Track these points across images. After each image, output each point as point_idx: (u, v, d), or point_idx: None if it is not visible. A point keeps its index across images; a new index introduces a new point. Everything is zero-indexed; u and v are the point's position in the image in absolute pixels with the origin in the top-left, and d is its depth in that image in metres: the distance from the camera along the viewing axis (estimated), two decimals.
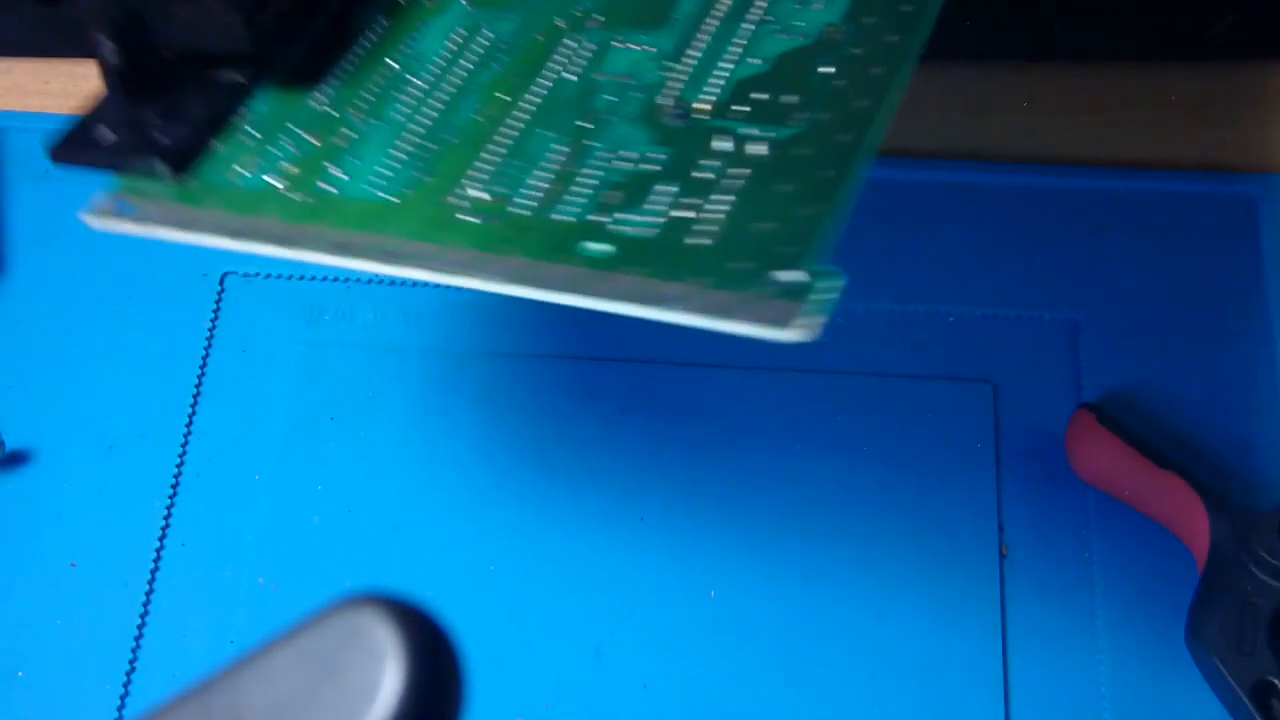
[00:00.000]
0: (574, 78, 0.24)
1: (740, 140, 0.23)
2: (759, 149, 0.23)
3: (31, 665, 0.29)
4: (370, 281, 0.34)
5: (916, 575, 0.30)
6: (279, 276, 0.34)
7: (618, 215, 0.22)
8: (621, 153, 0.23)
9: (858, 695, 0.29)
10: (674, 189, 0.22)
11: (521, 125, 0.24)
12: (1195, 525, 0.30)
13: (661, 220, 0.22)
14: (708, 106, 0.23)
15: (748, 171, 0.22)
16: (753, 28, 0.25)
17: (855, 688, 0.29)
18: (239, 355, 0.33)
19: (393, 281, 0.34)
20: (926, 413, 0.32)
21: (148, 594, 0.30)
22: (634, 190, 0.22)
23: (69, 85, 0.38)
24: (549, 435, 0.32)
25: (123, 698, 0.29)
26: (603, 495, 0.31)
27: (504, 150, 0.23)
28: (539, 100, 0.24)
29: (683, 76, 0.24)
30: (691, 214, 0.22)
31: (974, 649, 0.29)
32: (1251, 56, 0.40)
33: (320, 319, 0.34)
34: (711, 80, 0.24)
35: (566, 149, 0.23)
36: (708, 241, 0.21)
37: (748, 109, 0.23)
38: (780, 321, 0.20)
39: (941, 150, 0.37)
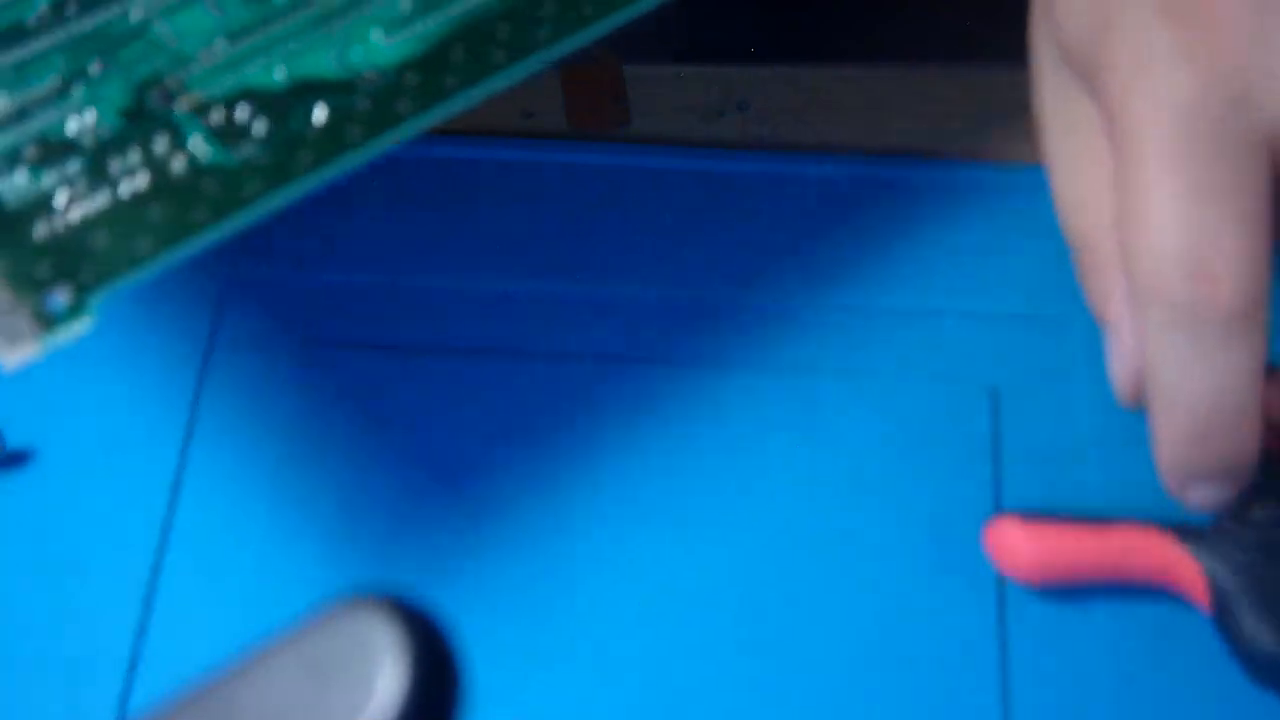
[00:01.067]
0: (138, 16, 0.23)
1: (179, 150, 0.22)
2: (180, 165, 0.22)
3: (32, 665, 0.29)
4: (369, 281, 0.34)
5: (916, 576, 0.30)
6: (279, 276, 0.34)
7: (16, 170, 0.21)
8: (88, 111, 0.22)
9: (856, 697, 0.29)
10: (79, 167, 0.22)
11: (43, 42, 0.23)
12: (1178, 563, 0.28)
13: (34, 194, 0.21)
14: (191, 101, 0.23)
15: (146, 182, 0.22)
16: (319, 36, 0.24)
17: (853, 690, 0.29)
18: (239, 355, 0.33)
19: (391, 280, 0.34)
20: (925, 414, 0.32)
21: (148, 594, 0.30)
22: (54, 153, 0.22)
23: None
24: (550, 435, 0.32)
25: (123, 698, 0.29)
26: (604, 496, 0.31)
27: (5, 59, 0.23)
28: (85, 25, 0.23)
29: (212, 58, 0.23)
30: (64, 199, 0.21)
31: (974, 650, 0.29)
32: None
33: (320, 319, 0.34)
34: (225, 75, 0.23)
35: (56, 83, 0.22)
36: (44, 233, 0.21)
37: (220, 121, 0.22)
38: (10, 337, 0.20)
39: (941, 149, 0.37)
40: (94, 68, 0.23)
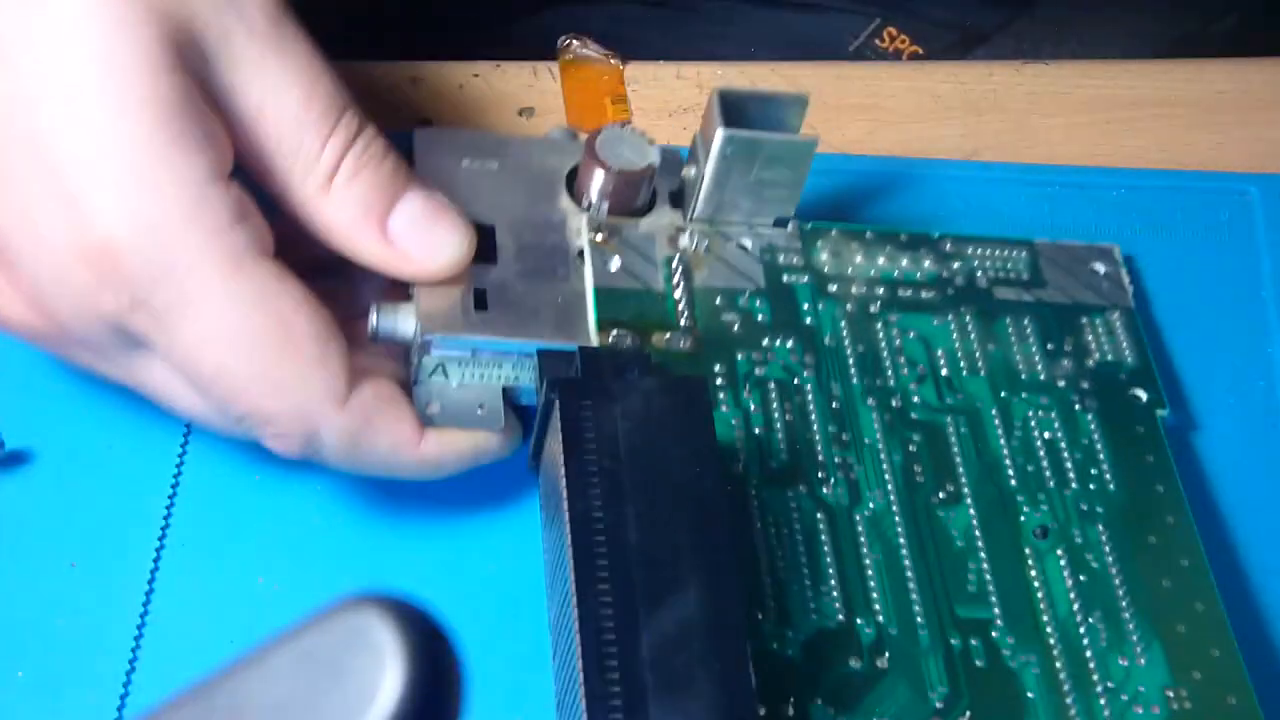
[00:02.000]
0: None
1: None
2: None
3: (31, 665, 0.29)
4: None
5: None
6: None
7: None
8: None
9: None
10: None
11: None
12: None
13: None
14: None
15: None
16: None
17: None
18: None
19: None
20: None
21: (148, 594, 0.30)
22: None
23: None
24: None
25: (123, 698, 0.29)
26: None
27: None
28: None
29: None
30: None
31: None
32: (1252, 56, 0.40)
33: None
34: None
35: None
36: None
37: None
38: None
39: (942, 149, 0.37)
40: None
